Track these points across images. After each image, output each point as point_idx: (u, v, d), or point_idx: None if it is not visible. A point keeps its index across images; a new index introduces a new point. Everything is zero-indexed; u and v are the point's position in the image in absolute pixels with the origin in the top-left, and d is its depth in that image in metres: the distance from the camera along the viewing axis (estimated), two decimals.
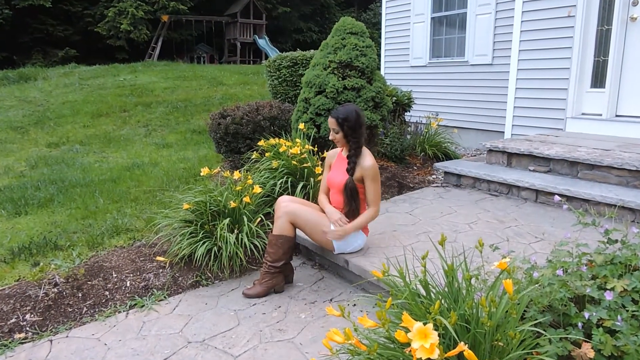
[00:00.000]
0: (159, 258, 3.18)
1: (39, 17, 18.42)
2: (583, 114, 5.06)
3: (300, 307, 2.72)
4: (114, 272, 3.05)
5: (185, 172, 5.29)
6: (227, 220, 3.15)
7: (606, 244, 1.98)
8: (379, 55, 5.61)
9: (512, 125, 5.59)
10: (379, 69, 4.97)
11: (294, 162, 3.80)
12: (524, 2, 5.29)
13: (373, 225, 3.41)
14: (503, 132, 5.84)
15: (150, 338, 2.46)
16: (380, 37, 8.34)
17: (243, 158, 4.70)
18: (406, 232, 3.33)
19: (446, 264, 1.83)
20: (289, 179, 3.74)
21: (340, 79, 4.42)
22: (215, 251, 3.07)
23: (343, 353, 1.69)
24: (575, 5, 4.87)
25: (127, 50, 19.86)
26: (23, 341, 2.46)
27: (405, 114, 6.29)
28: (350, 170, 2.84)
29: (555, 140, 4.60)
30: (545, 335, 1.58)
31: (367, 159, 2.82)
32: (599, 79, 4.90)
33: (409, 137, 5.73)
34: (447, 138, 5.94)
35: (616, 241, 1.97)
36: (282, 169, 3.83)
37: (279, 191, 3.65)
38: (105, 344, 2.42)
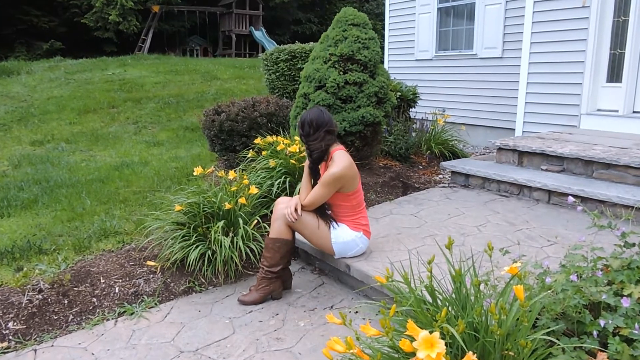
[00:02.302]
0: (149, 263, 3.18)
1: (22, 8, 18.41)
2: (598, 110, 5.07)
3: (299, 315, 2.72)
4: (101, 278, 3.05)
5: (177, 171, 5.30)
6: (221, 223, 3.15)
7: (623, 248, 1.97)
8: (382, 48, 5.60)
9: (523, 122, 5.59)
10: (382, 62, 4.98)
11: (293, 161, 3.80)
12: None
13: (376, 227, 3.41)
14: (514, 129, 5.84)
15: (140, 347, 2.46)
16: (383, 28, 8.35)
17: (238, 157, 4.70)
18: (411, 235, 3.33)
19: (453, 269, 1.83)
20: (287, 179, 3.74)
21: (341, 73, 4.42)
22: (209, 255, 3.07)
23: None
24: None
25: (115, 42, 19.84)
26: (5, 351, 2.46)
27: (410, 110, 6.29)
28: (313, 174, 2.90)
29: (569, 138, 4.61)
30: (559, 345, 1.58)
31: (333, 167, 2.75)
32: (615, 73, 4.90)
33: (414, 134, 5.73)
34: (455, 136, 5.94)
35: (633, 245, 1.97)
36: (280, 168, 3.83)
37: (276, 192, 3.66)
38: (93, 354, 2.42)
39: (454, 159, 5.48)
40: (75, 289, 2.92)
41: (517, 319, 1.59)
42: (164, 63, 13.83)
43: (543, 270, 1.95)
